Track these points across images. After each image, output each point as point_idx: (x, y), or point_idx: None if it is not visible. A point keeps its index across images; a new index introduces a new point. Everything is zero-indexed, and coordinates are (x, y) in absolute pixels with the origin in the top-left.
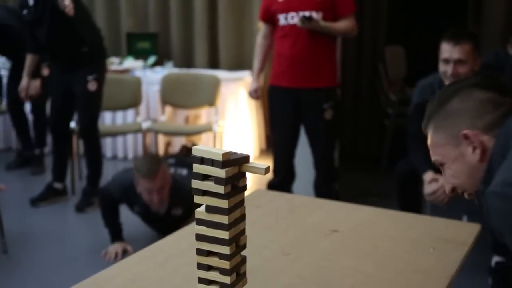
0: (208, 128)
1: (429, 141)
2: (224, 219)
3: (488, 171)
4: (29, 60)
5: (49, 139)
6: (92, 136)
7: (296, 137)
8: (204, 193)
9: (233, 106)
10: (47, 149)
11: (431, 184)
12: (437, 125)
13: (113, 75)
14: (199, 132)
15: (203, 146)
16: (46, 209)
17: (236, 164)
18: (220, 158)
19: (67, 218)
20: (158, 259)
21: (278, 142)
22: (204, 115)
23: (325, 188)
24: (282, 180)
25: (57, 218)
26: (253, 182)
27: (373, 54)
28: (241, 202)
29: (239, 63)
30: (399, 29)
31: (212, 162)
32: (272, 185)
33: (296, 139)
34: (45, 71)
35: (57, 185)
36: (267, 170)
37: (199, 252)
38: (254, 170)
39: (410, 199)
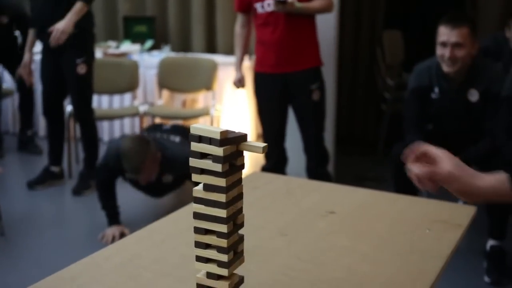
0: (205, 112)
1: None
2: (221, 197)
3: None
4: (31, 35)
5: (42, 122)
6: (87, 118)
7: (284, 121)
8: (202, 171)
9: (230, 90)
10: (42, 132)
11: None
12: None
13: (110, 59)
14: (196, 116)
15: (201, 124)
16: (43, 192)
17: (233, 142)
18: (218, 136)
19: (64, 201)
20: (155, 239)
21: (267, 127)
22: (201, 99)
23: (318, 171)
24: (274, 164)
25: (54, 201)
26: (248, 167)
27: (371, 39)
28: (239, 181)
29: None
30: (397, 14)
31: (210, 141)
32: (265, 170)
33: (285, 124)
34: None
35: (54, 169)
36: (264, 148)
37: (197, 230)
38: (252, 148)
39: (406, 182)
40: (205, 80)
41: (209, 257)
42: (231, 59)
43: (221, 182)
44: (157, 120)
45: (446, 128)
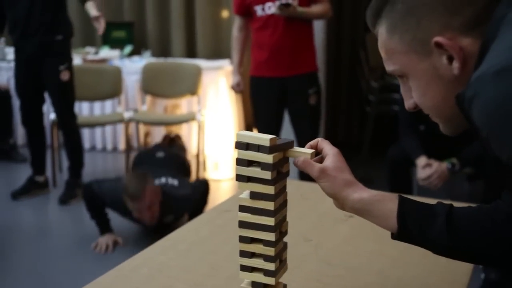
0: (191, 118)
1: (380, 43)
2: (270, 205)
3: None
4: None
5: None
6: (70, 125)
7: (280, 125)
8: (249, 179)
9: (213, 95)
10: (21, 141)
11: (425, 169)
12: (394, 24)
13: (91, 65)
14: (182, 121)
15: (247, 132)
16: (28, 202)
17: (281, 149)
18: (267, 144)
19: (50, 211)
20: (180, 248)
21: (263, 131)
22: (184, 104)
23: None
24: None
25: (40, 211)
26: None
27: (354, 41)
28: (284, 188)
29: (217, 52)
30: None
31: (258, 148)
32: None
33: (280, 128)
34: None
35: (38, 178)
36: (313, 154)
37: (242, 239)
38: (300, 155)
39: (401, 184)
40: (189, 85)
41: (255, 266)
42: (214, 63)
43: (270, 190)
44: (141, 127)
45: (438, 129)
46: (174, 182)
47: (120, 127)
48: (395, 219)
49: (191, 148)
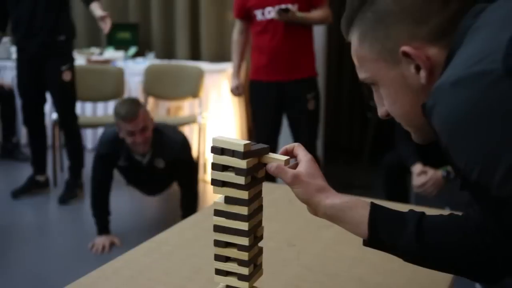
0: (192, 120)
1: (352, 51)
2: (244, 210)
3: None
4: None
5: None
6: (71, 126)
7: (278, 129)
8: (224, 184)
9: (215, 98)
10: (24, 140)
11: (420, 177)
12: (364, 33)
13: (95, 66)
14: (183, 123)
15: (222, 137)
16: (28, 201)
17: (256, 155)
18: (241, 149)
19: (50, 210)
20: (163, 250)
21: (261, 135)
22: (186, 106)
23: None
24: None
25: (39, 210)
26: None
27: None
28: (259, 193)
29: (221, 55)
30: None
31: (232, 153)
32: None
33: (278, 132)
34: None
35: (39, 177)
36: (287, 161)
37: (217, 243)
38: (275, 161)
39: (397, 191)
40: (191, 87)
41: (229, 270)
42: (216, 66)
43: (244, 194)
44: None
45: None
46: (169, 129)
47: None
48: (366, 226)
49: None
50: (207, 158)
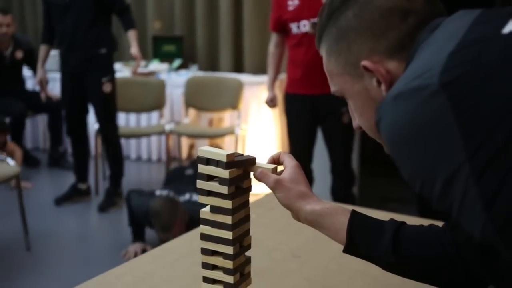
0: (230, 131)
1: (323, 65)
2: (227, 219)
3: None
4: (42, 51)
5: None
6: (111, 136)
7: (313, 142)
8: (209, 193)
9: (256, 110)
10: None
11: None
12: (330, 47)
13: (139, 78)
14: (221, 135)
15: (209, 147)
16: (69, 208)
17: (240, 165)
18: (224, 159)
19: (90, 217)
20: (169, 259)
21: (295, 148)
22: (227, 118)
23: (342, 192)
24: None
25: (80, 218)
26: None
27: None
28: (246, 203)
29: (263, 67)
30: None
31: (217, 163)
32: None
33: (313, 145)
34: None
35: (81, 186)
36: (274, 169)
37: (204, 251)
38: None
39: (429, 206)
40: (230, 99)
41: (215, 278)
42: (258, 78)
43: (227, 204)
44: (184, 140)
45: None
46: (198, 198)
47: (164, 139)
48: (345, 233)
49: None
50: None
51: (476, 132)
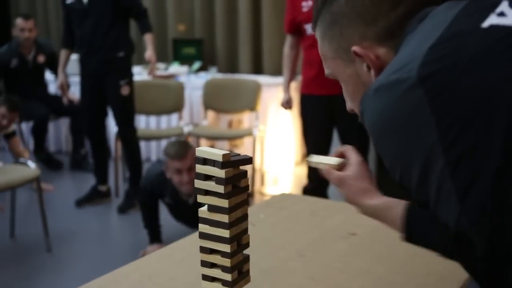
0: (248, 133)
1: (318, 48)
2: (224, 218)
3: None
4: (63, 55)
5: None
6: (130, 138)
7: (329, 143)
8: (207, 192)
9: (274, 111)
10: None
11: None
12: (324, 32)
13: (158, 80)
14: (239, 136)
15: (206, 147)
16: (90, 210)
17: (236, 165)
18: (220, 159)
19: (110, 219)
20: (176, 257)
21: (312, 149)
22: (246, 119)
23: None
24: (316, 185)
25: (100, 219)
26: (292, 186)
27: None
28: (243, 202)
29: (282, 68)
30: None
31: (213, 163)
32: (307, 191)
33: (329, 146)
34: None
35: (101, 187)
36: (341, 165)
37: (203, 250)
38: (328, 165)
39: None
40: (249, 101)
41: (214, 276)
42: (277, 80)
43: (224, 203)
44: (203, 142)
45: None
46: None
47: None
48: (401, 223)
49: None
50: (265, 171)
51: (451, 127)
